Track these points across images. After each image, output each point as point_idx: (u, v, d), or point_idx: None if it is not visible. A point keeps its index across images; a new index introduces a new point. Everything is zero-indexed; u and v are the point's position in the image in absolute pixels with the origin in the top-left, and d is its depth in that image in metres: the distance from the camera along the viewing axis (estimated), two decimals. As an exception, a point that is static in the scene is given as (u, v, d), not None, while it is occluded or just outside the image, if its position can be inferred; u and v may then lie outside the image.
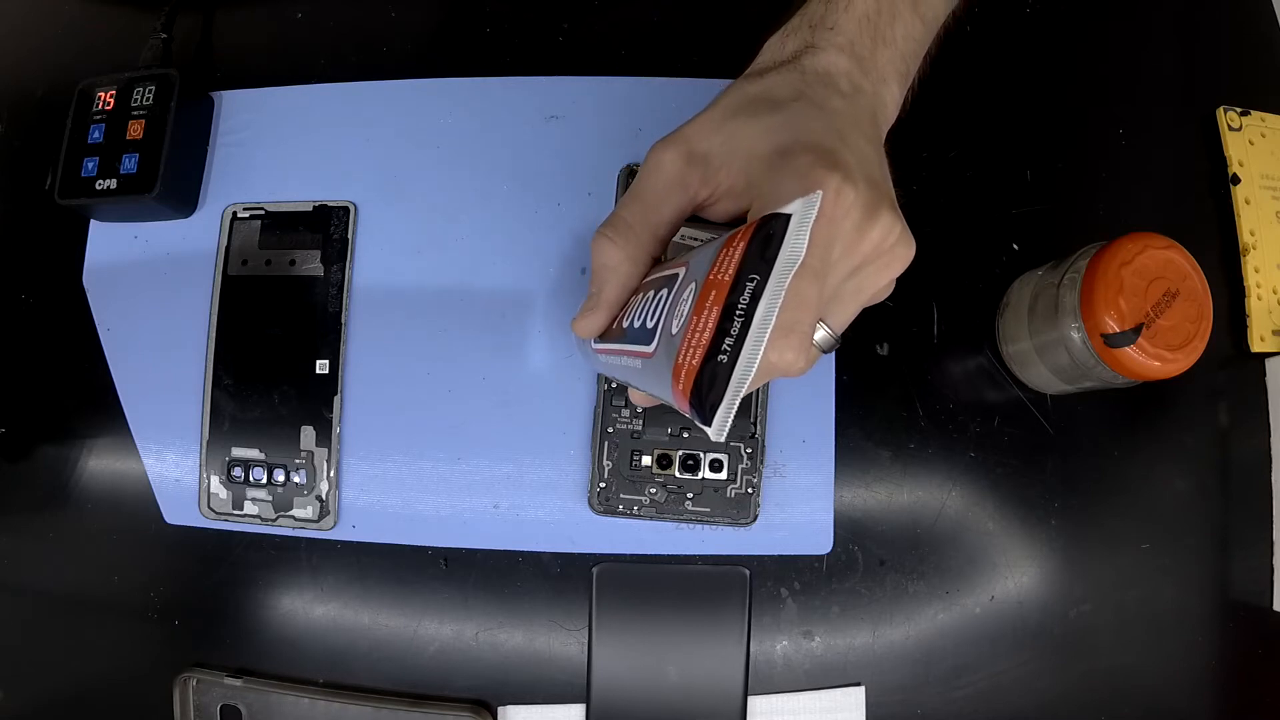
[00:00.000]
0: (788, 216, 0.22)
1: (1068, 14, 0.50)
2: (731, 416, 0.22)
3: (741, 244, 0.23)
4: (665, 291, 0.27)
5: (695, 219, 0.33)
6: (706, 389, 0.22)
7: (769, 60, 0.34)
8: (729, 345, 0.22)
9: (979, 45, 0.49)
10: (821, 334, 0.30)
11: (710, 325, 0.22)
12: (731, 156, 0.30)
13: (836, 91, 0.31)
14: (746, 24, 0.48)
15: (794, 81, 0.31)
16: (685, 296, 0.24)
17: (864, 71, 0.32)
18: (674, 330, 0.24)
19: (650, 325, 0.27)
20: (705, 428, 0.22)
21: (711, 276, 0.23)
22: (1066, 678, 0.44)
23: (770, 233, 0.22)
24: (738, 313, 0.22)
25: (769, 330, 0.22)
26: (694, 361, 0.22)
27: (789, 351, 0.26)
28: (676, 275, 0.27)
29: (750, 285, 0.22)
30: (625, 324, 0.30)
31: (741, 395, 0.22)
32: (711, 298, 0.23)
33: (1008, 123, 0.48)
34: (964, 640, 0.44)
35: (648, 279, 0.31)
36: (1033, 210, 0.48)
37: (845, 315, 0.31)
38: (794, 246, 0.22)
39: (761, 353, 0.22)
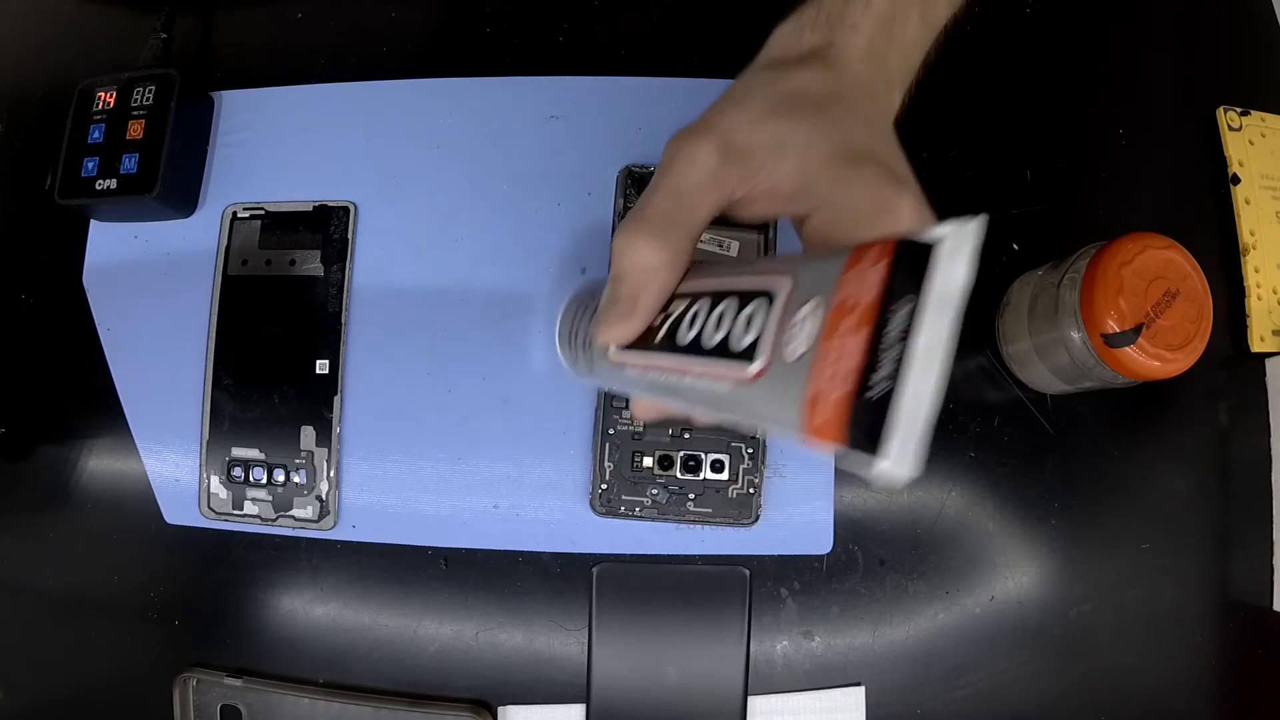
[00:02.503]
0: (928, 245, 0.20)
1: (1068, 14, 0.50)
2: (912, 450, 0.19)
3: (882, 264, 0.20)
4: (756, 305, 0.24)
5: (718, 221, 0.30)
6: (865, 421, 0.20)
7: (785, 52, 0.32)
8: (884, 372, 0.19)
9: (979, 45, 0.49)
10: None
11: (858, 347, 0.20)
12: (779, 156, 0.28)
13: (867, 96, 0.30)
14: (746, 24, 0.49)
15: (826, 81, 0.30)
16: (799, 318, 0.22)
17: (880, 75, 0.31)
18: (794, 355, 0.22)
19: (741, 343, 0.24)
20: (870, 458, 0.19)
21: (841, 299, 0.21)
22: (1066, 678, 0.44)
23: (914, 256, 0.20)
24: (893, 340, 0.20)
25: (942, 357, 0.19)
26: (842, 391, 0.20)
27: None
28: (768, 291, 0.24)
29: (903, 310, 0.20)
30: (677, 337, 0.27)
31: (920, 428, 0.19)
32: (847, 323, 0.20)
33: (1008, 123, 0.48)
34: (964, 640, 0.44)
35: (694, 285, 0.28)
36: (1033, 210, 0.48)
37: None
38: (957, 273, 0.19)
39: (935, 382, 0.19)
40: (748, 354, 0.23)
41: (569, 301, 0.34)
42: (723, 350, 0.24)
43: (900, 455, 0.19)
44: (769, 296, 0.23)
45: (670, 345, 0.27)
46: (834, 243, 0.26)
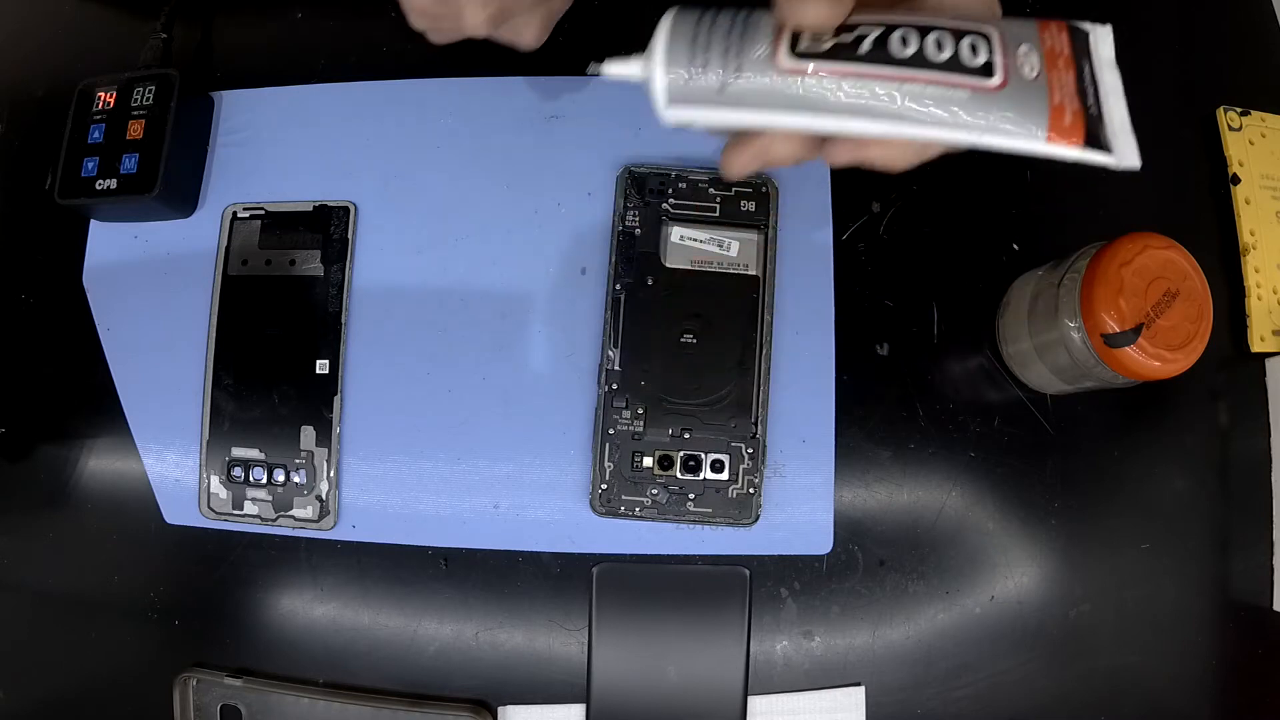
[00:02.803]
0: (1086, 30, 0.30)
1: (1068, 14, 0.50)
2: (1133, 146, 0.29)
3: (1065, 34, 0.30)
4: (975, 39, 0.29)
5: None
6: (1094, 128, 0.29)
7: None
8: (1092, 100, 0.29)
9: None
10: None
11: (1071, 81, 0.29)
12: None
13: None
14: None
15: None
16: (1024, 52, 0.29)
17: None
18: (1029, 75, 0.29)
19: (974, 62, 0.29)
20: (1103, 155, 0.29)
21: (1048, 48, 0.30)
22: (1066, 678, 0.44)
23: (1076, 35, 0.30)
24: (1087, 81, 0.30)
25: (1121, 96, 0.30)
26: (1075, 105, 0.29)
27: None
28: (982, 31, 0.30)
29: (1086, 64, 0.30)
30: (890, 51, 0.29)
31: (1130, 134, 0.29)
32: (1060, 64, 0.30)
33: (1008, 123, 0.48)
34: (964, 640, 0.44)
35: (885, 18, 0.30)
36: (1033, 210, 0.48)
37: None
38: (1108, 49, 0.30)
39: (1125, 109, 0.29)
40: (986, 69, 0.29)
41: (679, 13, 0.31)
42: (956, 65, 0.29)
43: (1128, 149, 0.29)
44: (984, 35, 0.30)
45: (882, 58, 0.29)
46: (969, 15, 0.31)
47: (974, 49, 0.29)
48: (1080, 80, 0.30)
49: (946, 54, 0.29)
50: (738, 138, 0.32)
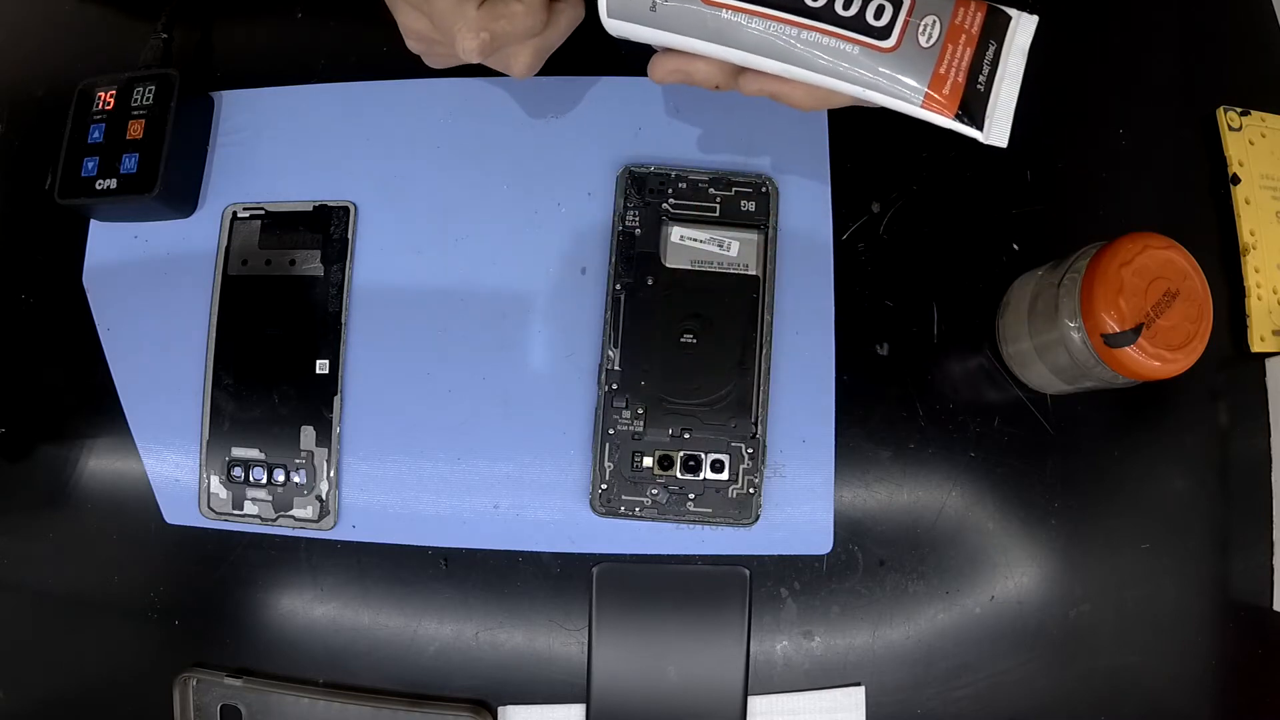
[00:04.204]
0: (1010, 15, 0.32)
1: (1068, 14, 0.50)
2: (1005, 128, 0.31)
3: (981, 14, 0.32)
4: (885, 2, 0.32)
5: None
6: (972, 104, 0.31)
7: None
8: (983, 79, 0.31)
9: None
10: None
11: (967, 57, 0.31)
12: None
13: None
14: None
15: None
16: (928, 23, 0.32)
17: None
18: (924, 43, 0.31)
19: (876, 22, 0.32)
20: (974, 130, 0.31)
21: (956, 23, 0.32)
22: (1066, 678, 0.44)
23: (996, 17, 0.32)
24: (987, 61, 0.31)
25: (1018, 82, 0.32)
26: (959, 79, 0.31)
27: None
28: (901, 1, 0.32)
29: (992, 47, 0.31)
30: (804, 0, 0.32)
31: (1008, 117, 0.31)
32: (962, 39, 0.31)
33: (1008, 123, 0.48)
34: (964, 640, 0.44)
35: None
36: (1033, 210, 0.48)
37: None
38: (1025, 37, 0.32)
39: (1015, 93, 0.31)
40: (884, 31, 0.32)
41: None
42: (858, 23, 0.32)
43: (1000, 130, 0.32)
44: (895, 1, 0.32)
45: (792, 5, 0.32)
46: None
47: (879, 11, 0.32)
48: (979, 58, 0.31)
49: (853, 11, 0.32)
50: (667, 50, 0.36)
